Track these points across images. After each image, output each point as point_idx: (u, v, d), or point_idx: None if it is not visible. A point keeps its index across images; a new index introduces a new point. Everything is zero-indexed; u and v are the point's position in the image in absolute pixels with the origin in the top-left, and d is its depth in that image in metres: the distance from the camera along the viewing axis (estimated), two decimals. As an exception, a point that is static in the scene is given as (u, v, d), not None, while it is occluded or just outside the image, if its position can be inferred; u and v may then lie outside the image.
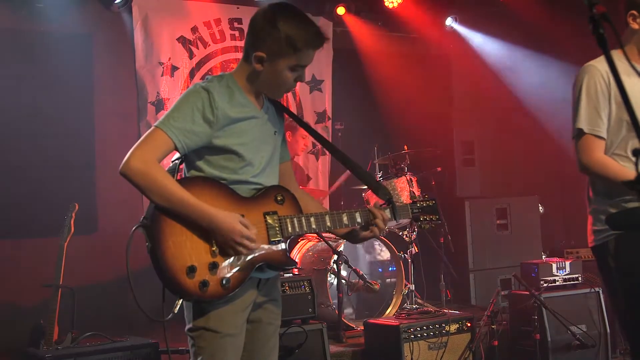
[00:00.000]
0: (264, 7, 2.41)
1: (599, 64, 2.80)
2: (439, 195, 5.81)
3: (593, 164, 2.74)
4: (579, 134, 2.78)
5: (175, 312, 2.25)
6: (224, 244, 2.26)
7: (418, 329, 4.62)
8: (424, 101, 7.88)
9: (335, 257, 5.01)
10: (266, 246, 2.38)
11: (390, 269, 5.76)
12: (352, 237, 2.67)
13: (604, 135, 2.77)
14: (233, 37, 6.70)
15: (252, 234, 2.29)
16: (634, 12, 2.78)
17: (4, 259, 5.47)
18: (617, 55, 2.61)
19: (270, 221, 2.40)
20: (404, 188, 5.42)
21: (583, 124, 2.76)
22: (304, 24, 2.37)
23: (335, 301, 5.08)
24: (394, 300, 5.52)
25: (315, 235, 5.39)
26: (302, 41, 2.34)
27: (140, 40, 6.22)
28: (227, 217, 2.26)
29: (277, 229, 2.40)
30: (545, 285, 5.05)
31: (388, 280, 5.72)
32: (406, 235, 5.40)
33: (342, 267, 5.02)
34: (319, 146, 7.00)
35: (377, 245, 5.83)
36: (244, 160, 2.38)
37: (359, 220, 2.57)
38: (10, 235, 5.56)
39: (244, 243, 2.27)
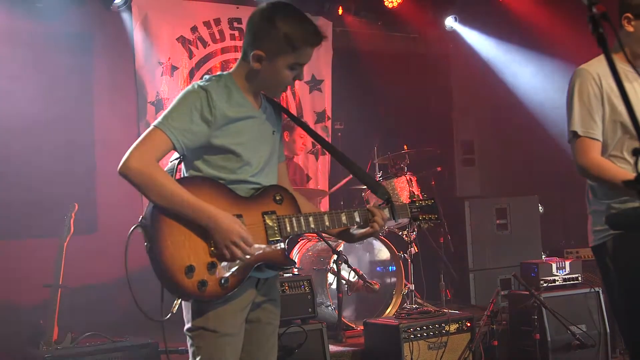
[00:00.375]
0: (262, 6, 2.41)
1: (591, 67, 2.81)
2: (438, 195, 5.83)
3: (590, 166, 2.75)
4: (574, 136, 2.79)
5: (174, 312, 2.25)
6: (220, 243, 2.25)
7: (418, 328, 4.62)
8: (424, 101, 7.88)
9: (335, 257, 5.01)
10: (265, 246, 2.37)
11: (390, 268, 5.75)
12: (348, 236, 2.66)
13: (599, 137, 2.78)
14: (232, 37, 6.70)
15: (249, 237, 2.29)
16: (629, 14, 2.79)
17: (4, 259, 5.47)
18: (615, 58, 2.61)
19: (268, 221, 2.39)
20: (404, 188, 5.41)
21: (577, 126, 2.78)
22: (302, 22, 2.37)
23: (335, 301, 5.08)
24: (393, 300, 5.52)
25: (315, 234, 5.39)
26: (300, 39, 2.34)
27: (139, 40, 6.22)
28: (227, 216, 2.26)
29: (276, 228, 2.40)
30: (545, 285, 5.05)
31: (388, 280, 5.72)
32: (406, 235, 5.39)
33: (341, 267, 5.01)
34: (319, 146, 6.99)
35: (377, 245, 5.83)
36: (242, 160, 2.37)
37: (357, 219, 2.57)
38: (10, 235, 5.56)
39: (240, 244, 2.26)
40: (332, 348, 4.70)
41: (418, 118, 7.86)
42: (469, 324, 4.83)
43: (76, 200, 4.66)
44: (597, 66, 2.80)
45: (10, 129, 5.58)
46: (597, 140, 2.78)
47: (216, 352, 2.32)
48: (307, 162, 7.04)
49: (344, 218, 2.54)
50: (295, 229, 2.44)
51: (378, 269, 5.90)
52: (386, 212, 2.62)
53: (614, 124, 2.78)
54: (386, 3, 7.27)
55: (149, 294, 2.43)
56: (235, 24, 6.71)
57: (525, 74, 7.71)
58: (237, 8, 6.69)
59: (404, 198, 5.29)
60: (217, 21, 6.64)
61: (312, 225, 2.47)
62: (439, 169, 6.26)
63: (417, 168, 5.89)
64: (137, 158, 2.22)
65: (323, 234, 4.71)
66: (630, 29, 2.80)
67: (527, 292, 4.82)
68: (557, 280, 5.12)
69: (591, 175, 2.78)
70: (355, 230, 2.63)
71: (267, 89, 2.49)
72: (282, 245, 2.42)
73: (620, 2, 2.83)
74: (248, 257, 2.30)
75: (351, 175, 5.75)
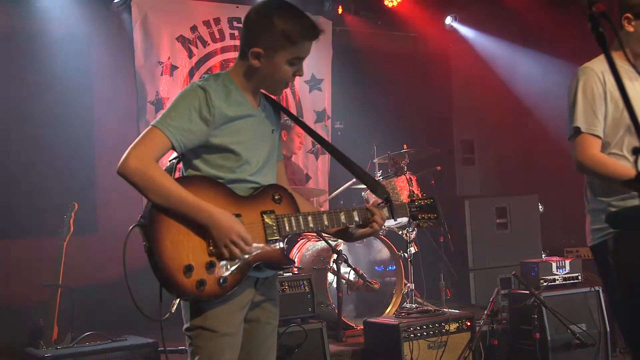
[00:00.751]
0: (257, 4, 2.42)
1: (595, 65, 2.82)
2: (438, 194, 5.82)
3: (589, 161, 2.75)
4: (576, 132, 2.79)
5: (172, 311, 2.25)
6: (219, 241, 2.24)
7: (418, 328, 4.62)
8: (423, 100, 7.87)
9: (335, 256, 5.01)
10: (263, 245, 2.37)
11: (390, 268, 5.75)
12: (346, 236, 2.66)
13: (600, 134, 2.78)
14: (232, 37, 6.70)
15: (248, 236, 2.29)
16: (629, 14, 2.80)
17: (4, 259, 5.48)
18: (615, 57, 2.62)
19: (267, 220, 2.39)
20: (404, 187, 5.41)
21: (580, 122, 2.78)
22: (298, 16, 2.38)
23: (335, 300, 5.08)
24: (393, 299, 5.51)
25: (315, 234, 5.39)
26: (297, 33, 2.34)
27: (139, 40, 6.22)
28: (226, 215, 2.26)
29: (275, 228, 2.40)
30: (545, 284, 5.04)
31: (388, 279, 5.71)
32: (406, 234, 5.39)
33: (341, 266, 5.01)
34: (319, 145, 7.00)
35: (377, 244, 5.83)
36: (241, 159, 2.37)
37: (356, 219, 2.56)
38: (10, 235, 5.57)
39: (239, 244, 2.26)
40: (332, 347, 4.70)
41: (418, 118, 7.86)
42: (469, 323, 4.83)
43: (76, 200, 4.66)
44: (601, 64, 2.81)
45: (10, 129, 5.58)
46: (598, 137, 2.78)
47: (215, 352, 2.32)
48: (306, 162, 7.04)
49: (342, 217, 2.54)
50: (294, 229, 2.43)
51: (378, 268, 5.90)
52: (385, 212, 2.61)
53: (615, 121, 2.78)
54: (386, 2, 7.27)
55: (148, 293, 2.43)
56: (235, 24, 6.71)
57: (526, 74, 7.72)
58: (237, 7, 6.70)
59: (404, 197, 5.30)
60: (217, 20, 6.64)
61: (311, 225, 2.46)
62: (438, 168, 6.25)
63: (417, 167, 5.89)
64: (135, 158, 2.21)
65: (323, 233, 4.71)
66: (630, 29, 2.81)
67: (527, 291, 4.82)
68: (557, 280, 5.12)
69: (590, 170, 2.78)
70: (355, 230, 2.63)
71: (267, 86, 2.48)
72: (281, 244, 2.41)
73: (620, 2, 2.84)
74: (247, 256, 2.31)
75: (349, 183, 5.78)
